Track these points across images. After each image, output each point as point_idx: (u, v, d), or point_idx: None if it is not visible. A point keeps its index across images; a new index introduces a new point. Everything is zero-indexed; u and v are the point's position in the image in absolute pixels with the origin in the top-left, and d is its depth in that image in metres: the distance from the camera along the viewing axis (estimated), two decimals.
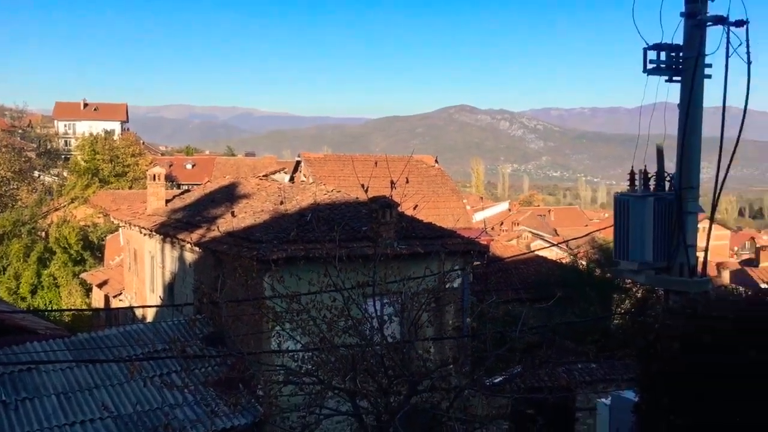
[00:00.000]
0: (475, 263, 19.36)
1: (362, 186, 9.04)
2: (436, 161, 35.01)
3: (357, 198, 18.08)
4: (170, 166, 73.69)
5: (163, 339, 14.74)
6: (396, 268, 9.70)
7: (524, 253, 28.00)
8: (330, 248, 9.62)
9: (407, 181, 9.80)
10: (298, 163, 34.33)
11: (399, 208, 16.29)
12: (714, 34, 8.34)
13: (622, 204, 9.10)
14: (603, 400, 9.25)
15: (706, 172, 9.59)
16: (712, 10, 8.52)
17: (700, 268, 9.05)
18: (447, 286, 11.14)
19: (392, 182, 9.13)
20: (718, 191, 8.72)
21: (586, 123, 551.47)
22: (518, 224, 57.23)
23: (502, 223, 56.18)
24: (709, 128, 8.12)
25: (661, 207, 8.83)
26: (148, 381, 13.49)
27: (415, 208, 12.47)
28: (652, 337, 5.34)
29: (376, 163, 12.22)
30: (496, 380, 7.90)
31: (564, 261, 28.09)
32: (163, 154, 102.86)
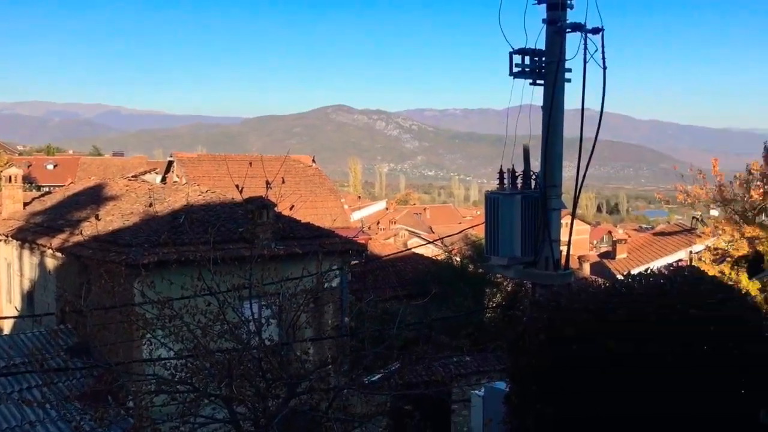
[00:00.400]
0: (354, 262, 19.48)
1: (237, 186, 8.81)
2: (314, 161, 34.90)
3: (233, 199, 17.66)
4: (29, 166, 68.55)
5: (22, 352, 13.79)
6: (273, 269, 9.54)
7: (401, 251, 28.46)
8: (204, 250, 9.32)
9: (283, 181, 9.66)
10: (170, 163, 33.07)
11: (276, 209, 16.08)
12: (574, 41, 8.86)
13: (492, 202, 9.46)
14: (477, 391, 9.57)
15: (568, 171, 10.11)
16: (572, 17, 9.05)
17: (564, 261, 9.63)
18: (326, 286, 11.09)
19: (267, 182, 8.96)
20: (578, 188, 9.26)
21: (458, 124, 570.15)
22: (395, 223, 58.17)
23: (378, 222, 56.82)
24: (571, 129, 8.56)
25: (528, 204, 9.26)
26: (6, 398, 12.51)
27: (291, 209, 12.32)
28: (521, 329, 5.58)
29: (251, 163, 11.95)
30: (375, 378, 7.98)
31: (439, 258, 28.81)
32: (20, 154, 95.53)
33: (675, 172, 22.17)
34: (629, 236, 58.35)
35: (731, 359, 4.99)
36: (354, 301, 16.21)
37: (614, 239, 49.43)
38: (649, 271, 6.33)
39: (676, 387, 5.02)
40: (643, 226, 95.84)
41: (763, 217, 19.04)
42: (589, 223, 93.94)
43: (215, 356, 7.64)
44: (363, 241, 24.24)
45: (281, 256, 14.85)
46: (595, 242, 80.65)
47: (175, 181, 28.73)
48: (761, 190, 18.52)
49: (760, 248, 17.17)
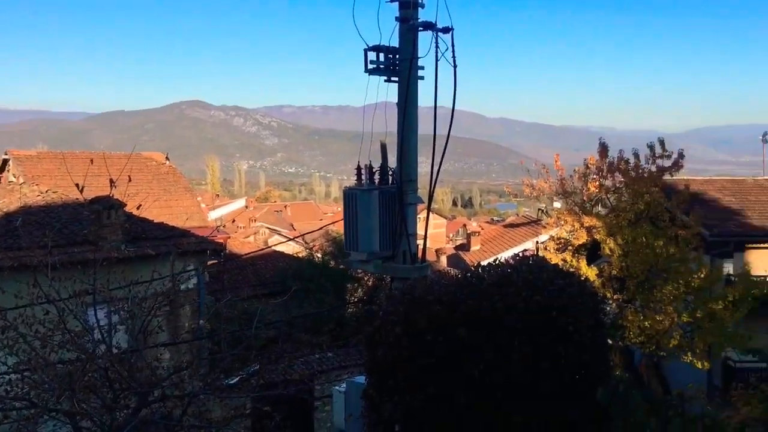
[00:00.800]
0: (211, 262, 18.89)
1: (77, 186, 8.20)
2: (167, 158, 33.44)
3: (77, 199, 16.51)
4: None
5: None
6: (122, 272, 9.01)
7: (261, 249, 28.02)
8: (41, 255, 8.61)
9: (130, 179, 9.12)
10: (5, 161, 30.42)
11: (126, 208, 15.24)
12: (427, 39, 9.06)
13: (350, 197, 9.50)
14: (338, 387, 9.57)
15: (425, 166, 10.36)
16: (424, 16, 9.27)
17: (421, 254, 9.87)
18: (181, 288, 10.66)
19: (111, 181, 8.42)
20: (433, 183, 9.53)
21: (318, 120, 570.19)
22: (255, 221, 57.13)
23: (234, 221, 55.56)
24: (427, 126, 8.76)
25: (386, 199, 9.38)
26: None
27: (138, 208, 11.69)
28: (378, 323, 5.65)
29: (92, 160, 11.22)
30: (232, 381, 7.76)
31: (300, 255, 28.66)
32: None
33: (522, 167, 23.43)
34: (482, 229, 61.01)
35: (572, 342, 5.35)
36: (212, 302, 15.71)
37: (468, 232, 51.58)
38: (497, 261, 6.62)
39: (523, 370, 5.31)
40: (495, 218, 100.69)
41: (600, 208, 20.55)
42: (445, 217, 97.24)
43: (56, 368, 7.08)
44: (221, 240, 23.59)
45: (131, 259, 14.10)
46: (451, 235, 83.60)
47: (11, 181, 26.42)
48: (597, 183, 19.97)
49: (597, 237, 18.47)
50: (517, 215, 63.58)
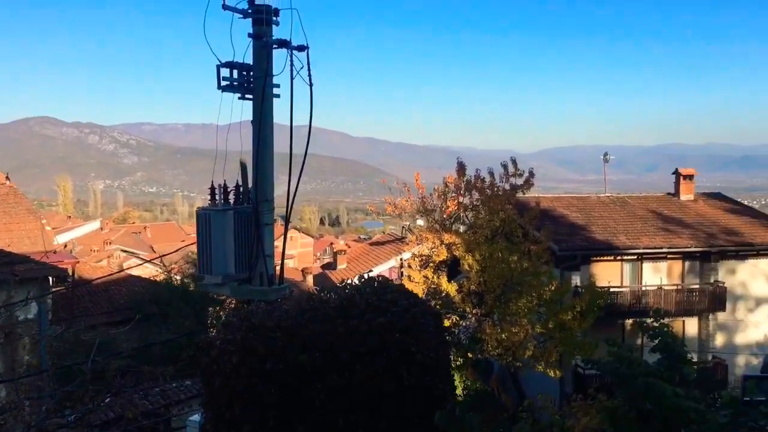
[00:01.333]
0: (55, 289, 17.55)
1: None
2: (8, 178, 30.87)
3: None
4: None
5: None
6: None
7: (113, 273, 26.48)
8: None
9: None
10: None
11: None
12: (284, 56, 8.91)
13: (204, 218, 9.11)
14: (194, 416, 9.11)
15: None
16: (280, 34, 9.12)
17: (278, 275, 9.63)
18: (20, 318, 9.76)
19: None
20: (291, 202, 9.33)
21: (180, 138, 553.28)
22: (111, 243, 54.04)
23: (81, 245, 52.17)
24: (287, 144, 8.57)
25: (241, 220, 9.09)
26: None
27: None
28: (215, 353, 5.35)
29: None
30: (71, 417, 7.12)
31: (158, 278, 27.36)
32: None
33: (384, 185, 23.80)
34: (349, 247, 61.36)
35: (415, 363, 5.34)
36: (56, 333, 14.56)
37: (335, 250, 51.57)
38: (344, 283, 6.54)
39: (367, 393, 5.21)
40: (362, 236, 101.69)
41: (459, 225, 21.24)
42: (313, 236, 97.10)
43: None
44: (69, 265, 22.05)
45: None
46: (319, 254, 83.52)
47: None
48: (456, 201, 20.65)
49: (457, 253, 19.06)
50: (384, 233, 64.61)
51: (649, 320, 7.52)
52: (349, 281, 7.28)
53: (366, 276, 6.54)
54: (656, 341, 6.27)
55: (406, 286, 19.49)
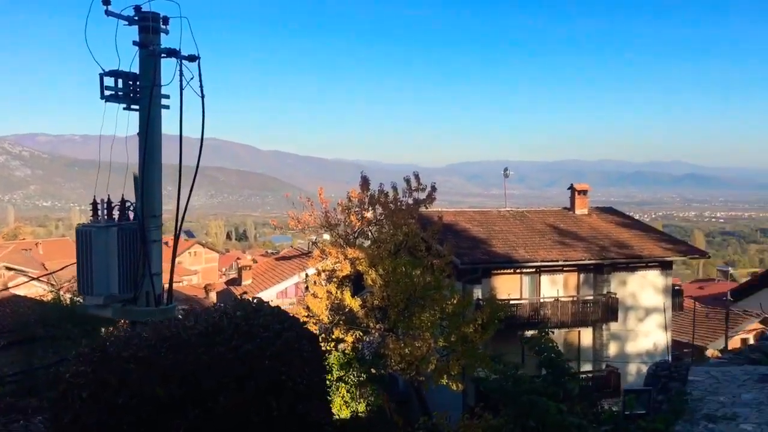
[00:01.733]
0: None
1: None
2: None
3: None
4: None
5: None
6: None
7: None
8: None
9: None
10: None
11: None
12: (173, 66, 8.52)
13: (84, 235, 8.59)
14: None
15: (196, 199, 9.69)
16: (169, 43, 8.71)
17: (166, 295, 9.16)
18: None
19: None
20: (181, 217, 8.93)
21: (78, 150, 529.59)
22: None
23: None
24: (186, 157, 8.18)
25: (126, 237, 8.62)
26: None
27: None
28: (63, 387, 4.91)
29: None
30: None
31: (47, 298, 25.77)
32: None
33: (288, 199, 23.44)
34: (256, 262, 60.19)
35: (285, 391, 5.09)
36: None
37: (240, 266, 50.51)
38: (215, 306, 6.22)
39: (233, 426, 4.92)
40: (270, 251, 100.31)
41: (363, 240, 21.13)
42: (218, 251, 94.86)
43: None
44: None
45: None
46: (224, 269, 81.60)
47: None
48: (359, 216, 20.55)
49: (360, 268, 18.92)
50: (291, 247, 63.84)
51: (529, 332, 7.54)
52: (220, 305, 6.89)
53: (241, 298, 6.24)
54: (542, 357, 6.32)
55: (310, 302, 19.33)
